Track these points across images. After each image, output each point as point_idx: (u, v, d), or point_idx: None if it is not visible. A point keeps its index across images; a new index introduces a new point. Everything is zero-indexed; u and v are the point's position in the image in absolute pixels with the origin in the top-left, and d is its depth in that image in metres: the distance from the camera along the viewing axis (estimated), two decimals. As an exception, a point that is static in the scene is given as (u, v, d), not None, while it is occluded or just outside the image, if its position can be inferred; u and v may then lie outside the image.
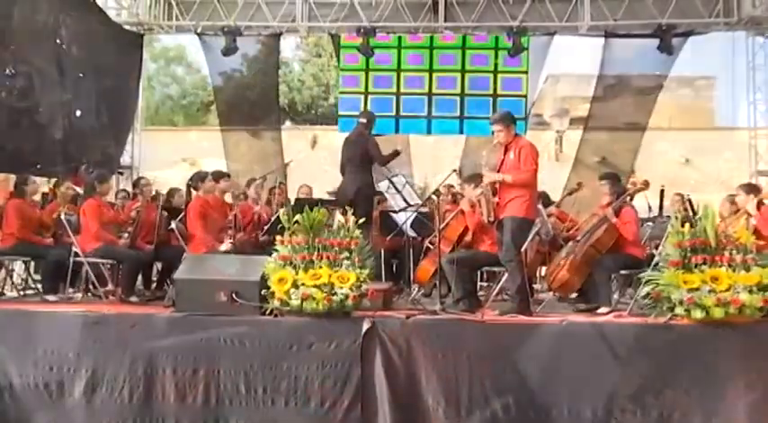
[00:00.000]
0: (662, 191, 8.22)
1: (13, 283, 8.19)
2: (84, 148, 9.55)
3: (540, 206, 6.81)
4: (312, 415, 5.18)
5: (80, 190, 8.02)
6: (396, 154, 8.26)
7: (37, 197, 8.09)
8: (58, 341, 5.48)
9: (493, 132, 6.49)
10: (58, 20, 9.10)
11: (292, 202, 8.24)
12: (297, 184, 9.92)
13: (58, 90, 8.89)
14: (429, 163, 12.57)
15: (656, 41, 11.41)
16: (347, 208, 6.27)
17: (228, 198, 8.22)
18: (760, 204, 6.86)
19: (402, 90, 11.90)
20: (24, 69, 8.40)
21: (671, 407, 5.00)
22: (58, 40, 9.12)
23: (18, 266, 8.35)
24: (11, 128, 8.25)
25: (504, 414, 5.09)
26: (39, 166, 9.03)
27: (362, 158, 7.74)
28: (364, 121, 8.08)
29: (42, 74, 8.65)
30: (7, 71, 8.23)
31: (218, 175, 7.84)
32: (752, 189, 7.12)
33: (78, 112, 9.34)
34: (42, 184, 8.68)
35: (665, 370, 5.05)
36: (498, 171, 6.30)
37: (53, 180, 8.81)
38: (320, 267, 5.40)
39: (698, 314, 4.99)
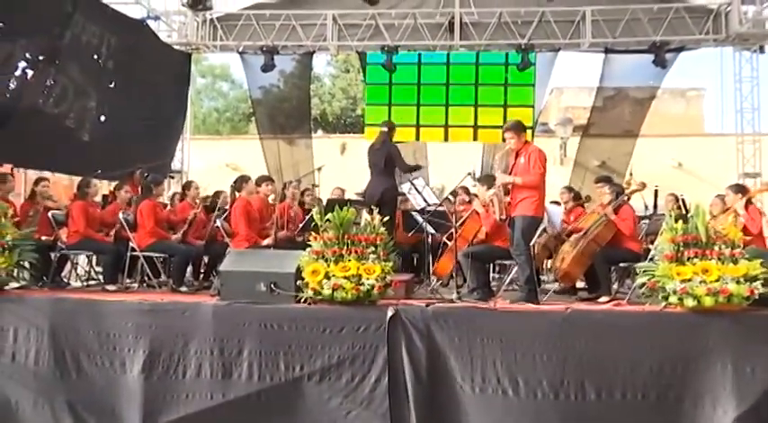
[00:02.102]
0: (656, 191, 8.18)
1: (77, 274, 8.30)
2: (133, 152, 9.64)
3: (547, 205, 6.77)
4: (344, 389, 5.19)
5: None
6: (417, 167, 8.23)
7: (98, 198, 8.18)
8: (118, 326, 5.52)
9: (505, 139, 6.49)
10: (102, 39, 9.19)
11: (324, 203, 8.26)
12: (328, 187, 9.97)
13: (84, 98, 8.98)
14: (446, 167, 12.56)
15: (650, 56, 11.42)
16: (373, 208, 6.29)
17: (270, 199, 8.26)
18: (747, 204, 6.82)
19: (422, 102, 11.93)
20: (62, 80, 8.52)
21: (666, 388, 4.95)
22: (95, 56, 9.22)
23: (82, 260, 8.45)
24: (49, 132, 8.39)
25: (514, 393, 5.07)
26: (99, 171, 9.15)
27: (386, 164, 7.72)
28: (386, 129, 8.02)
29: (75, 84, 8.76)
30: (47, 82, 8.37)
31: (262, 180, 7.90)
32: (740, 189, 7.07)
33: (102, 117, 9.38)
34: (102, 187, 8.79)
35: (661, 354, 5.00)
36: (510, 174, 6.30)
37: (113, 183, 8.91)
38: (349, 261, 5.39)
39: (690, 303, 4.95)
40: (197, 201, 8.14)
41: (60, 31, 8.39)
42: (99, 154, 9.10)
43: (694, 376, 4.93)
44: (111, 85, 9.51)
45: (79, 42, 8.77)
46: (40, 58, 8.21)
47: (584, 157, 12.94)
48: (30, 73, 8.14)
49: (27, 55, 8.07)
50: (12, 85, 7.93)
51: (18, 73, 8.00)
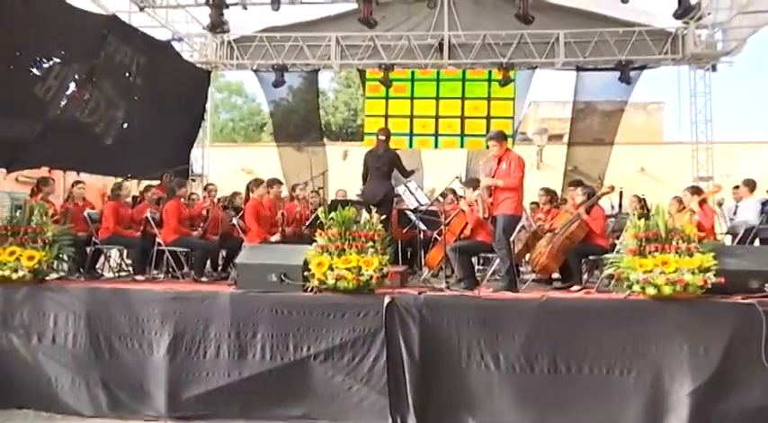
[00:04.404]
0: (621, 193, 8.18)
1: (110, 266, 8.29)
2: (149, 155, 9.66)
3: (524, 205, 6.77)
4: (346, 367, 5.21)
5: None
6: (412, 172, 8.24)
7: (128, 199, 8.16)
8: (146, 312, 5.53)
9: (488, 147, 6.49)
10: (133, 59, 9.21)
11: (329, 203, 8.25)
12: (332, 189, 9.98)
13: (113, 109, 9.02)
14: (436, 171, 12.58)
15: (617, 74, 11.49)
16: (372, 207, 6.28)
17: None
18: (701, 203, 6.83)
19: (415, 113, 11.94)
20: (96, 94, 8.55)
21: (630, 365, 4.97)
22: (127, 74, 9.24)
23: (114, 253, 8.44)
24: (79, 138, 8.44)
25: (495, 367, 5.10)
26: (129, 176, 9.12)
27: (388, 169, 7.76)
28: (383, 137, 8.00)
29: (107, 98, 8.79)
30: (86, 96, 8.39)
31: (273, 182, 7.89)
32: (695, 191, 7.10)
33: (126, 125, 9.39)
34: (132, 188, 8.80)
35: (625, 336, 5.01)
36: (492, 177, 6.30)
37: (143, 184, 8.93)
38: (350, 254, 5.39)
39: (651, 291, 4.97)
40: (214, 201, 8.12)
41: (97, 51, 8.40)
42: (119, 156, 9.09)
43: (654, 355, 4.95)
44: (137, 98, 9.52)
45: (112, 61, 8.79)
46: (83, 76, 8.24)
47: (561, 163, 13.00)
48: (74, 90, 8.18)
49: (76, 76, 8.12)
50: (63, 103, 7.96)
51: (69, 92, 8.06)
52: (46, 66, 7.65)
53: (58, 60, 7.80)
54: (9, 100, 7.26)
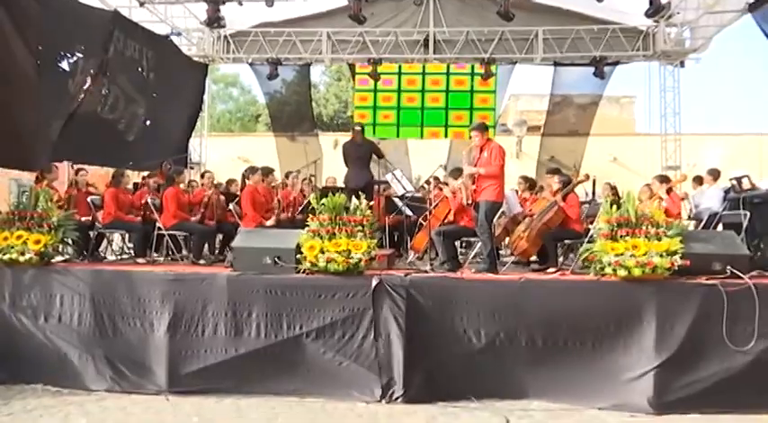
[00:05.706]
0: (594, 181, 8.21)
1: (112, 249, 8.24)
2: (156, 148, 9.58)
3: (506, 192, 6.78)
4: (336, 344, 5.23)
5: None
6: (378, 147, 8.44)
7: (129, 186, 8.09)
8: (147, 292, 5.52)
9: (471, 137, 6.48)
10: (141, 53, 9.08)
11: (320, 190, 8.23)
12: (322, 176, 9.95)
13: (134, 105, 8.93)
14: (422, 160, 12.57)
15: (591, 69, 11.50)
16: (360, 193, 6.28)
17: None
18: (669, 191, 6.88)
19: (402, 105, 11.93)
20: (114, 90, 8.45)
21: (601, 338, 5.05)
22: (139, 69, 9.13)
23: (116, 237, 8.38)
24: (102, 134, 8.33)
25: (477, 342, 5.15)
26: (131, 163, 9.04)
27: (368, 158, 7.81)
28: (359, 128, 8.16)
29: (125, 94, 8.68)
30: (103, 91, 8.29)
31: (267, 171, 7.87)
32: (664, 179, 7.15)
33: (148, 122, 9.30)
34: (133, 176, 8.72)
35: (597, 312, 5.08)
36: (475, 166, 6.30)
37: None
38: (340, 238, 5.40)
39: (622, 273, 5.01)
40: (211, 189, 8.07)
41: (106, 46, 8.28)
42: (136, 150, 9.05)
43: (624, 331, 5.03)
44: (155, 96, 9.43)
45: (123, 56, 8.63)
46: (96, 71, 8.11)
47: (538, 153, 13.04)
48: (90, 84, 8.07)
49: (91, 70, 8.00)
50: (81, 97, 7.85)
51: (85, 87, 7.94)
52: (72, 61, 7.52)
53: (80, 55, 7.68)
54: (42, 95, 7.04)
